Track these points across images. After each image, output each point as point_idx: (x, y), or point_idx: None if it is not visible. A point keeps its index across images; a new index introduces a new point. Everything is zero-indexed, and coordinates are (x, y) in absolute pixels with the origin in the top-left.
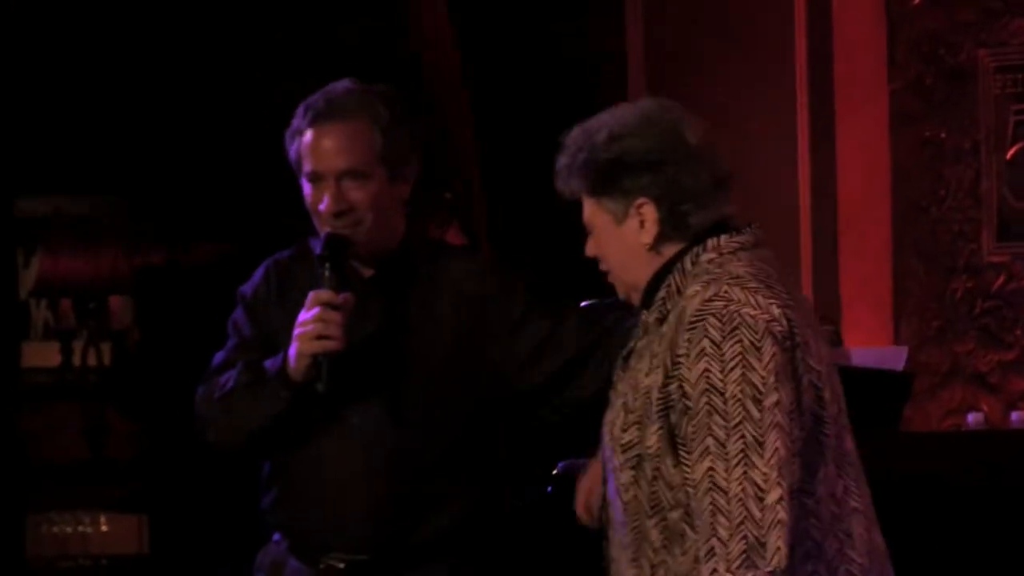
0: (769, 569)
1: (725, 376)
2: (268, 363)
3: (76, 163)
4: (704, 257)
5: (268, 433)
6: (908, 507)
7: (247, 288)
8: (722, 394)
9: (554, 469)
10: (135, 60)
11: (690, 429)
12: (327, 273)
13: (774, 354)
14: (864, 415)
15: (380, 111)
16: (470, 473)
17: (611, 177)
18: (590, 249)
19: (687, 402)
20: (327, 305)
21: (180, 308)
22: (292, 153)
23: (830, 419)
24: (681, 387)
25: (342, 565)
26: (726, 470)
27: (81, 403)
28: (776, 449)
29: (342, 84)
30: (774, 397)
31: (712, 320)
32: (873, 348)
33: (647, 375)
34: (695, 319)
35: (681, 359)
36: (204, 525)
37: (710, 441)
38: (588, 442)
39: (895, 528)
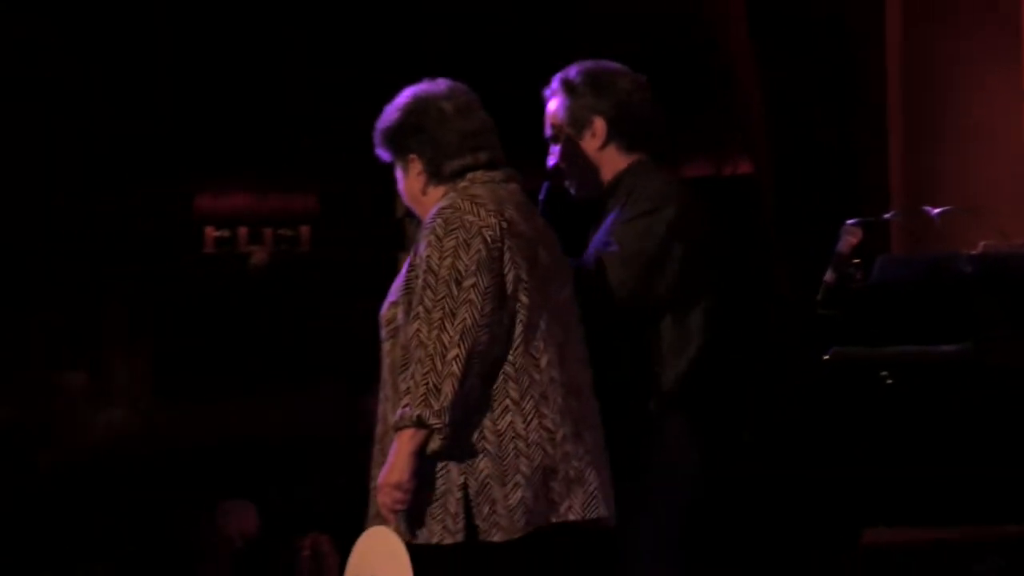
0: (437, 407)
1: (441, 262)
2: None
3: None
4: (460, 185)
5: None
6: None
7: None
8: (436, 274)
9: (825, 355)
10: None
11: (413, 300)
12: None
13: (478, 250)
14: None
15: (564, 88)
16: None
17: (392, 142)
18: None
19: (416, 280)
20: None
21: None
22: None
23: (535, 307)
24: (414, 269)
25: None
26: (428, 331)
27: None
28: (463, 319)
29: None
30: (472, 280)
31: (439, 220)
32: None
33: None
34: (431, 219)
35: (420, 249)
36: None
37: (421, 309)
38: (855, 331)
39: None
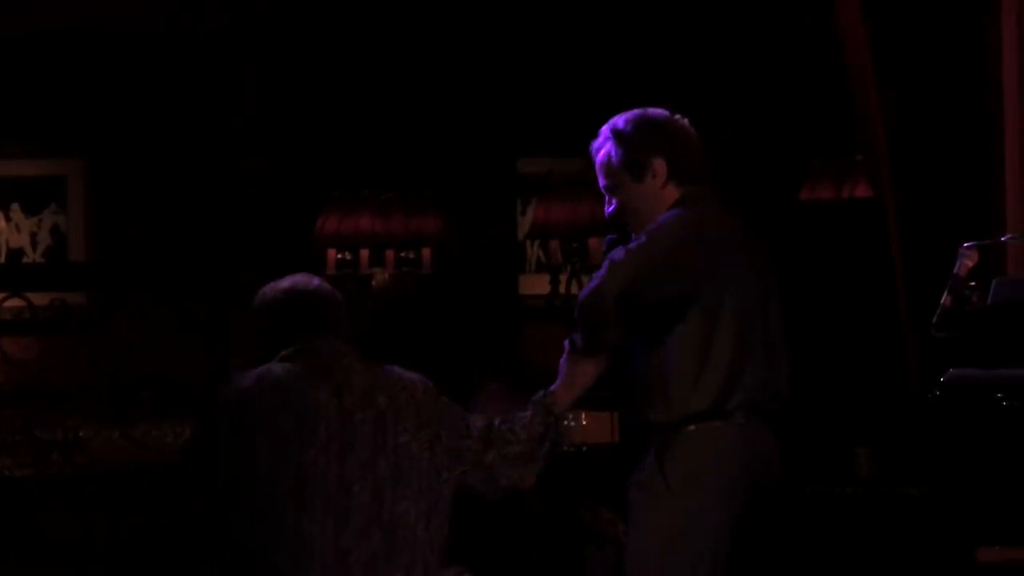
0: None
1: None
2: None
3: (568, 130)
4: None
5: None
6: None
7: None
8: None
9: (942, 377)
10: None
11: None
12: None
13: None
14: None
15: (614, 137)
16: None
17: None
18: None
19: None
20: None
21: None
22: None
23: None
24: None
25: None
26: None
27: (567, 324)
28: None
29: None
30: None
31: None
32: None
33: None
34: None
35: None
36: None
37: None
38: (972, 353)
39: None
